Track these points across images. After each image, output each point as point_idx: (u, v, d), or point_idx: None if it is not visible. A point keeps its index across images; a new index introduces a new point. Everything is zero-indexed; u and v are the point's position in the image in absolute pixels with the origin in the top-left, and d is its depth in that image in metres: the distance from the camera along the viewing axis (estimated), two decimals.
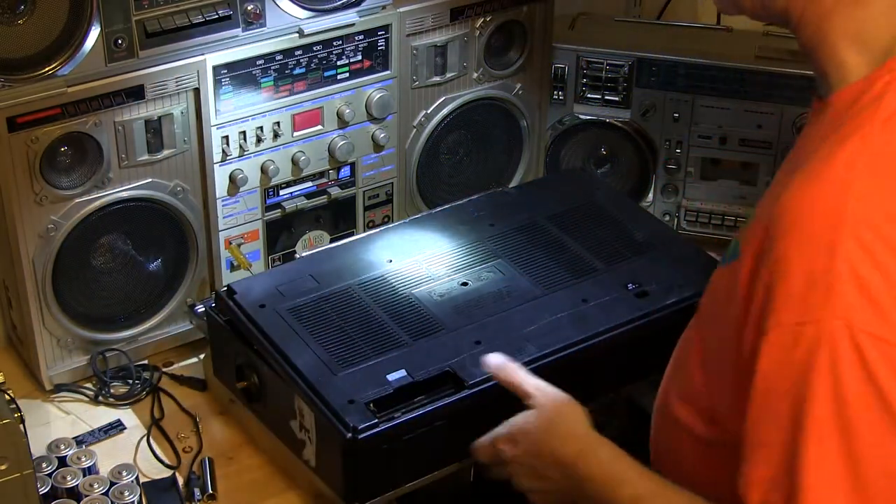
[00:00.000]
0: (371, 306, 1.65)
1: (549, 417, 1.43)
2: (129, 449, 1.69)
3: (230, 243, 1.85)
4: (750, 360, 1.19)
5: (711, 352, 1.32)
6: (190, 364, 1.85)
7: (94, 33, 1.60)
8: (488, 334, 1.61)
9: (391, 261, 1.74)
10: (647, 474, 1.35)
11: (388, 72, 1.89)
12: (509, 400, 1.49)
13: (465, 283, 1.71)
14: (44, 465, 1.57)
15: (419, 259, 1.75)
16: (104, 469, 1.60)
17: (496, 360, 1.51)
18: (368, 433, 1.46)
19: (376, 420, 1.47)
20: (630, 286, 1.71)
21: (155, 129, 1.71)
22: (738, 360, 1.23)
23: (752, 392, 1.18)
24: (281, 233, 1.91)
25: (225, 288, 1.68)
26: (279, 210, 1.89)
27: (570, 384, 1.49)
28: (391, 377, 1.52)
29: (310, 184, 1.90)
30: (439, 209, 1.91)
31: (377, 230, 1.86)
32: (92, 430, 1.72)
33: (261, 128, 1.81)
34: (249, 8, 1.72)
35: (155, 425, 1.73)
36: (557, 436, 1.41)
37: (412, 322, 1.63)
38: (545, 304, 1.67)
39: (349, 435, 1.45)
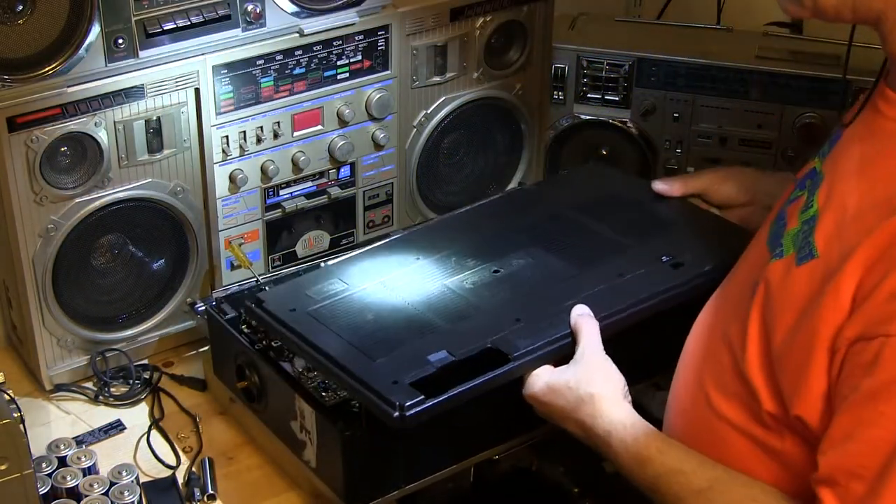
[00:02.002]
0: (404, 298, 1.62)
1: (578, 393, 1.47)
2: (129, 449, 1.70)
3: (230, 243, 1.85)
4: (851, 356, 1.19)
5: (783, 352, 1.29)
6: (190, 364, 1.85)
7: (94, 33, 1.61)
8: (527, 311, 1.58)
9: (419, 258, 1.72)
10: (672, 449, 1.38)
11: (387, 72, 1.89)
12: None
13: (496, 271, 1.68)
14: (44, 465, 1.57)
15: (447, 254, 1.73)
16: (104, 469, 1.60)
17: (580, 308, 1.56)
18: (416, 410, 1.41)
19: (422, 397, 1.42)
20: (664, 259, 1.69)
21: (155, 129, 1.71)
22: (827, 356, 1.22)
23: (863, 389, 1.18)
24: (281, 233, 1.91)
25: (252, 299, 1.65)
26: (279, 210, 1.89)
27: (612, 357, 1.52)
28: (432, 358, 1.49)
29: (310, 184, 1.90)
30: (461, 210, 1.89)
31: (400, 234, 1.83)
32: (92, 430, 1.72)
33: (261, 128, 1.81)
34: (249, 8, 1.72)
35: (155, 425, 1.73)
36: (586, 411, 1.46)
37: (448, 308, 1.60)
38: (582, 281, 1.64)
39: (396, 414, 1.40)
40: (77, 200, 1.68)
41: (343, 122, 1.88)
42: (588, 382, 1.47)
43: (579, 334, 1.52)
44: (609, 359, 1.51)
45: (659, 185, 1.84)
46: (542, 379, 1.50)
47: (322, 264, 1.75)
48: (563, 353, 1.53)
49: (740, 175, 1.81)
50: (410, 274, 1.69)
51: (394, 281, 1.67)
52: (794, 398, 1.26)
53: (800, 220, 1.34)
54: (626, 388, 1.49)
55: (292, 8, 1.76)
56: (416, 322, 1.57)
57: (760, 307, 1.34)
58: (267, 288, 1.73)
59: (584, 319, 1.54)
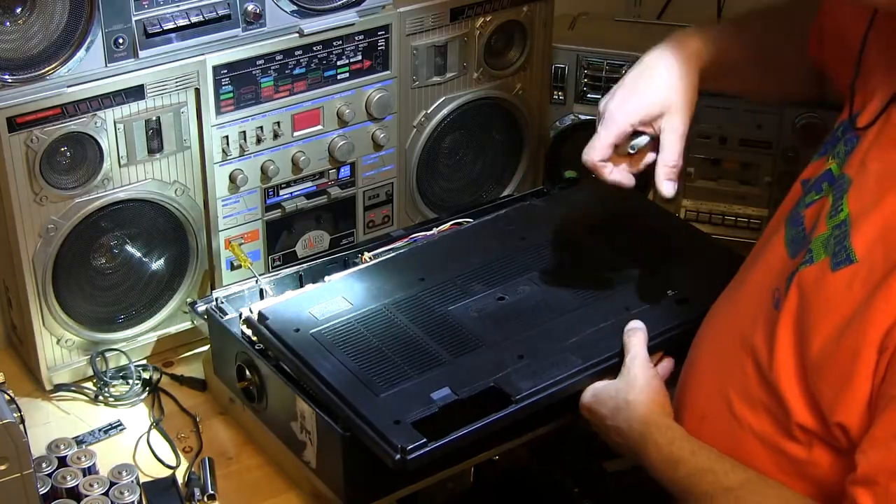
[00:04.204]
0: (408, 325, 1.63)
1: (616, 400, 1.50)
2: (129, 449, 1.70)
3: (230, 243, 1.85)
4: None
5: (823, 358, 1.28)
6: (190, 364, 1.85)
7: (95, 33, 1.60)
8: (531, 348, 1.59)
9: (423, 279, 1.72)
10: (703, 451, 1.38)
11: (388, 72, 1.89)
12: (554, 413, 1.57)
13: (501, 298, 1.69)
14: (44, 465, 1.57)
15: (452, 276, 1.73)
16: (104, 469, 1.60)
17: (632, 324, 1.58)
18: (417, 454, 1.42)
19: (424, 440, 1.43)
20: (670, 293, 1.69)
21: (155, 129, 1.71)
22: (874, 358, 1.22)
23: None
24: (281, 233, 1.91)
25: (256, 313, 1.65)
26: (279, 210, 1.89)
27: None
28: (435, 395, 1.50)
29: (310, 184, 1.90)
30: (467, 226, 1.89)
31: (406, 248, 1.83)
32: (92, 430, 1.72)
33: (261, 128, 1.81)
34: (249, 8, 1.72)
35: (155, 425, 1.73)
36: (623, 418, 1.48)
37: (451, 339, 1.60)
38: (586, 315, 1.65)
39: (398, 457, 1.41)
40: (77, 200, 1.68)
41: (343, 122, 1.88)
42: (627, 391, 1.49)
43: (626, 348, 1.55)
44: (654, 371, 1.53)
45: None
46: (592, 389, 1.54)
47: (327, 279, 1.75)
48: (567, 393, 1.54)
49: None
50: (415, 296, 1.69)
51: (398, 303, 1.67)
52: (836, 405, 1.26)
53: (829, 224, 1.32)
54: (668, 399, 1.50)
55: (292, 8, 1.76)
56: (420, 353, 1.58)
57: (793, 315, 1.32)
58: (269, 290, 1.73)
59: (630, 335, 1.56)
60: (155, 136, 1.71)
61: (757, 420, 1.36)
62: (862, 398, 1.23)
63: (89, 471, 1.58)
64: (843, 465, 1.27)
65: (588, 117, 2.13)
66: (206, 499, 1.60)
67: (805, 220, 1.39)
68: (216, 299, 1.73)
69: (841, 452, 1.28)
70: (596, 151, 1.53)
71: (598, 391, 1.53)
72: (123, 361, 1.82)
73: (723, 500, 1.33)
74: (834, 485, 1.28)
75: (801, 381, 1.30)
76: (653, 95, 1.53)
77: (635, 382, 1.50)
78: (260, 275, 1.81)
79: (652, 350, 1.58)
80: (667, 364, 1.58)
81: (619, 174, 1.56)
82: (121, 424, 1.74)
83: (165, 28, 1.65)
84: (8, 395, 1.40)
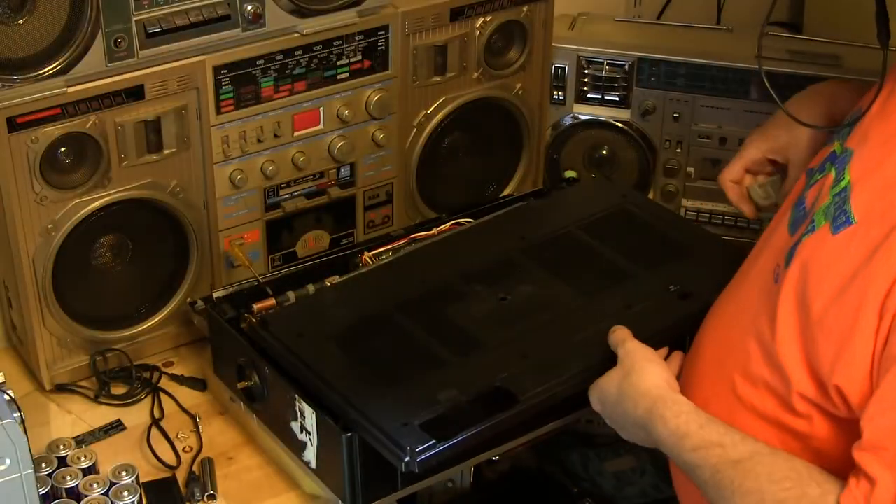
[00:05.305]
0: (409, 326, 1.63)
1: (620, 384, 1.47)
2: (129, 449, 1.69)
3: (230, 243, 1.85)
4: None
5: (824, 319, 1.28)
6: (190, 364, 1.85)
7: (95, 33, 1.60)
8: (535, 347, 1.59)
9: (424, 280, 1.72)
10: (712, 424, 1.36)
11: (388, 72, 1.89)
12: (558, 412, 1.57)
13: (503, 298, 1.69)
14: (44, 465, 1.57)
15: (453, 276, 1.73)
16: (104, 469, 1.60)
17: (615, 328, 1.56)
18: (426, 455, 1.42)
19: (433, 441, 1.43)
20: (672, 288, 1.69)
21: (155, 129, 1.71)
22: (876, 319, 1.22)
23: None
24: (281, 233, 1.91)
25: (257, 318, 1.65)
26: (279, 210, 1.89)
27: None
28: (441, 396, 1.49)
29: (310, 184, 1.90)
30: (467, 227, 1.89)
31: (405, 251, 1.83)
32: (92, 430, 1.72)
33: (261, 128, 1.81)
34: (249, 8, 1.72)
35: (155, 425, 1.73)
36: (628, 398, 1.45)
37: (454, 340, 1.60)
38: (589, 313, 1.65)
39: (407, 458, 1.41)
40: (77, 200, 1.68)
41: (343, 122, 1.88)
42: (628, 373, 1.47)
43: (613, 345, 1.53)
44: (651, 350, 1.50)
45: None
46: (595, 384, 1.52)
47: (327, 283, 1.75)
48: (573, 391, 1.54)
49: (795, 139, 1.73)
50: (416, 297, 1.69)
51: (399, 304, 1.67)
52: (836, 364, 1.26)
53: (830, 194, 1.34)
54: (672, 374, 1.48)
55: (292, 8, 1.76)
56: (424, 354, 1.58)
57: (795, 284, 1.32)
58: (269, 289, 1.73)
59: (612, 333, 1.54)
60: (155, 136, 1.71)
61: (759, 398, 1.36)
62: (862, 360, 1.23)
63: (89, 471, 1.58)
64: (844, 436, 1.27)
65: (588, 117, 2.13)
66: (206, 499, 1.60)
67: (807, 200, 1.40)
68: (216, 299, 1.73)
69: (841, 422, 1.28)
70: (726, 171, 1.76)
71: (600, 383, 1.51)
72: (123, 361, 1.82)
73: (732, 472, 1.31)
74: (837, 458, 1.28)
75: (802, 348, 1.30)
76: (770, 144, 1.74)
77: (635, 364, 1.47)
78: (260, 275, 1.81)
79: (656, 345, 1.58)
80: (675, 362, 1.57)
81: (741, 202, 1.74)
82: (121, 424, 1.74)
83: (165, 28, 1.65)
84: (8, 395, 1.40)
